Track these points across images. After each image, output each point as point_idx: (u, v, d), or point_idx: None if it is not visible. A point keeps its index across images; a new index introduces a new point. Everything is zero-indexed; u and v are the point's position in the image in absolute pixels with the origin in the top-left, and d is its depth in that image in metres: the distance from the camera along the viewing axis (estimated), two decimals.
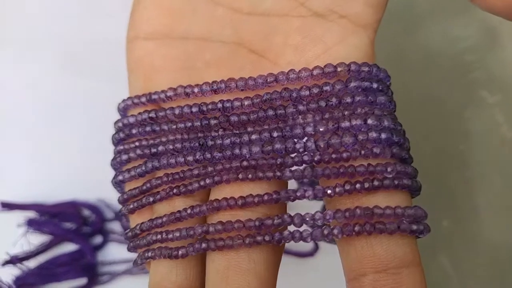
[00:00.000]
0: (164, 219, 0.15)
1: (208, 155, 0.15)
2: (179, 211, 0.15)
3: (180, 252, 0.14)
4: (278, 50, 0.16)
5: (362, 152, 0.13)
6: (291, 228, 0.14)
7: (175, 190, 0.15)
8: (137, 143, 0.17)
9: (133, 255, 0.26)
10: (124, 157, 0.17)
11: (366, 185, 0.13)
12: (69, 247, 0.25)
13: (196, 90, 0.17)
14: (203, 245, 0.14)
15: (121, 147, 0.18)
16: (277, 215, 0.14)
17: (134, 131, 0.17)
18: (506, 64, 0.23)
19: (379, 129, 0.14)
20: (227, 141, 0.15)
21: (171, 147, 0.16)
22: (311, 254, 0.23)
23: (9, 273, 0.23)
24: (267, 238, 0.13)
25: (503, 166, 0.21)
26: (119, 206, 0.27)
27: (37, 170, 0.26)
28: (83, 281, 0.24)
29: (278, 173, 0.14)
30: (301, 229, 0.14)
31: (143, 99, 0.18)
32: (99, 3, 0.30)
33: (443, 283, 0.18)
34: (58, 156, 0.27)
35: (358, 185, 0.13)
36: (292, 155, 0.14)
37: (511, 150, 0.22)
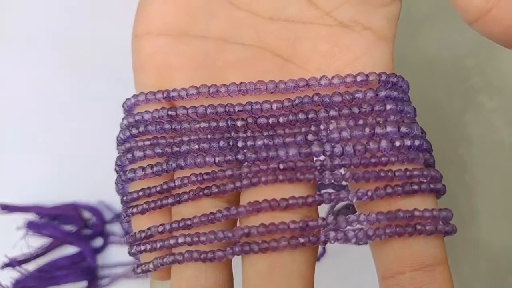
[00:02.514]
0: (195, 220, 0.14)
1: (241, 156, 0.15)
2: (212, 213, 0.14)
3: (217, 255, 0.14)
4: (306, 57, 0.16)
5: (399, 157, 0.14)
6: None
7: (206, 191, 0.14)
8: (153, 141, 0.16)
9: (132, 259, 0.24)
10: (139, 154, 0.16)
11: (406, 188, 0.13)
12: (69, 250, 0.23)
13: (222, 89, 0.16)
14: (245, 247, 0.13)
15: (134, 144, 0.16)
16: (322, 217, 0.13)
17: (151, 128, 0.16)
18: (505, 70, 0.23)
19: (411, 136, 0.14)
20: (260, 142, 0.15)
21: (196, 146, 0.15)
22: (317, 258, 0.23)
23: (9, 276, 0.22)
24: (312, 239, 0.13)
25: (503, 170, 0.21)
26: (119, 208, 0.25)
27: (37, 172, 0.25)
28: (83, 284, 0.23)
29: (319, 176, 0.14)
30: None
31: (159, 96, 0.17)
32: (100, 3, 0.28)
33: None
34: (58, 157, 0.25)
35: (399, 189, 0.13)
36: (331, 159, 0.14)
37: (510, 154, 0.22)
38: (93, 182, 0.24)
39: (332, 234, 0.13)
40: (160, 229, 0.15)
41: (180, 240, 0.14)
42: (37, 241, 0.23)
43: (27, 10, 0.28)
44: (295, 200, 0.13)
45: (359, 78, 0.15)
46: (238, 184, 0.14)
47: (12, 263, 0.22)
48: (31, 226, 0.23)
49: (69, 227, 0.24)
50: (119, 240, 0.24)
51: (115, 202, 0.24)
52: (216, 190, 0.14)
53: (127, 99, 0.17)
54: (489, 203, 0.21)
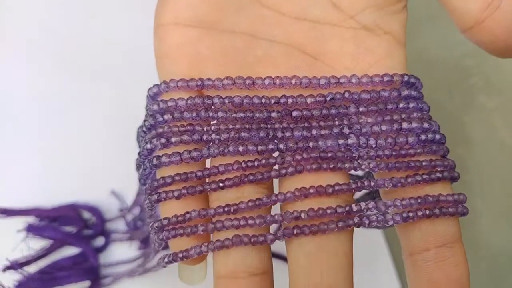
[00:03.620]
0: (242, 205, 0.14)
1: (283, 146, 0.15)
2: (259, 198, 0.14)
3: (268, 238, 0.14)
4: (333, 56, 0.17)
5: (425, 149, 0.15)
6: None
7: (251, 177, 0.15)
8: (188, 127, 0.16)
9: (134, 256, 0.23)
10: (175, 139, 0.15)
11: (432, 176, 0.15)
12: (71, 251, 0.23)
13: (258, 82, 0.16)
14: (296, 230, 0.14)
15: (168, 129, 0.16)
16: (364, 201, 0.14)
17: (187, 114, 0.16)
18: (505, 70, 0.23)
19: (432, 131, 0.16)
20: (298, 133, 0.15)
21: (236, 135, 0.15)
22: None
23: (11, 278, 0.21)
24: (358, 222, 0.14)
25: (502, 170, 0.22)
26: (129, 201, 0.24)
27: (37, 174, 0.24)
28: (85, 284, 0.22)
29: (356, 165, 0.15)
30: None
31: (192, 84, 0.16)
32: (99, 4, 0.28)
33: None
34: (58, 158, 0.25)
35: (426, 177, 0.15)
36: (366, 150, 0.15)
37: (510, 154, 0.22)
38: (94, 182, 0.23)
39: (373, 217, 0.14)
40: (203, 213, 0.15)
41: (227, 224, 0.14)
42: (38, 244, 0.23)
43: (27, 10, 0.27)
44: (341, 187, 0.14)
45: (385, 78, 0.16)
46: (283, 171, 0.15)
47: (14, 266, 0.21)
48: (31, 229, 0.22)
49: (69, 228, 0.23)
50: (121, 237, 0.23)
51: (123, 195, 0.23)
52: (261, 176, 0.15)
53: (154, 85, 0.17)
54: (489, 203, 0.21)
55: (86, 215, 0.23)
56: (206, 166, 0.16)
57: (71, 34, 0.28)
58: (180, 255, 0.15)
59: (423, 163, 0.15)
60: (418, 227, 0.15)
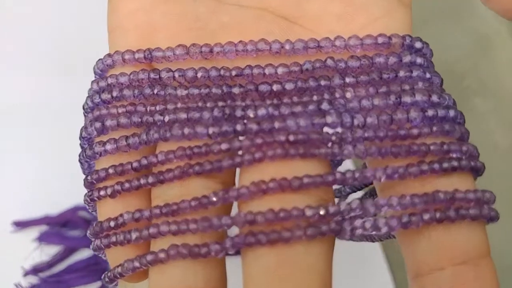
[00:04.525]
0: (183, 205, 0.11)
1: (240, 127, 0.11)
2: (205, 196, 0.11)
3: (213, 249, 0.10)
4: (315, 18, 0.13)
5: (434, 128, 0.11)
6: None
7: (196, 168, 0.11)
8: (129, 108, 0.12)
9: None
10: (111, 123, 0.12)
11: (444, 165, 0.10)
12: (85, 253, 0.22)
13: (217, 49, 0.12)
14: (250, 239, 0.10)
15: (105, 111, 0.12)
16: (346, 202, 0.10)
17: (127, 92, 0.12)
18: (499, 72, 0.22)
19: (444, 106, 0.11)
20: (262, 111, 0.11)
21: (184, 116, 0.12)
22: None
23: (26, 282, 0.22)
24: (335, 228, 0.10)
25: (497, 173, 0.19)
26: None
27: (38, 179, 0.24)
28: (97, 285, 0.22)
29: (336, 150, 0.11)
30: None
31: (139, 55, 0.13)
32: (100, 5, 0.27)
33: None
34: (61, 161, 0.24)
35: (436, 165, 0.10)
36: (352, 131, 0.11)
37: (504, 157, 0.21)
38: None
39: (358, 221, 0.10)
40: (137, 215, 0.11)
41: (163, 229, 0.11)
42: (52, 250, 0.23)
43: (27, 10, 0.27)
44: (311, 179, 0.10)
45: (380, 40, 0.12)
46: (238, 160, 0.11)
47: (30, 272, 0.21)
48: (43, 238, 0.22)
49: (79, 232, 0.23)
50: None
51: None
52: (210, 167, 0.11)
53: (99, 60, 0.14)
54: None
55: (90, 217, 0.23)
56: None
57: (72, 35, 0.27)
58: (115, 271, 0.11)
59: (431, 147, 0.11)
60: (426, 236, 0.10)
